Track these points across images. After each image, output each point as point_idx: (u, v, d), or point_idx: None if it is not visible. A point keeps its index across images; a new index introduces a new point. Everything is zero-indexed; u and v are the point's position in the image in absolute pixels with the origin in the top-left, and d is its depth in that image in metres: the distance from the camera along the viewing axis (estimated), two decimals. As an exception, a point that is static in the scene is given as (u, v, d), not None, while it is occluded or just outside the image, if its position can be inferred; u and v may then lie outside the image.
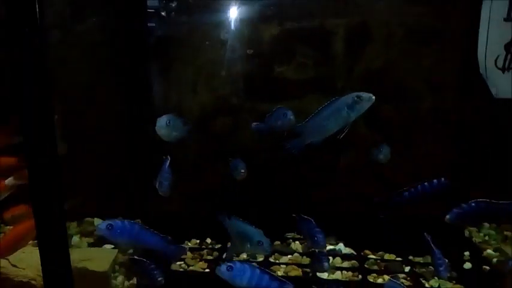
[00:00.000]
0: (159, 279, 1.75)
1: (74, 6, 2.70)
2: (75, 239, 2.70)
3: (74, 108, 2.61)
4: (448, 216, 1.82)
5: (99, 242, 2.55)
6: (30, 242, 2.05)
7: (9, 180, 1.96)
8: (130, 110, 2.81)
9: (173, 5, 2.70)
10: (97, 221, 2.86)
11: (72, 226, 2.82)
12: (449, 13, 2.59)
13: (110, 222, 1.58)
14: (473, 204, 1.74)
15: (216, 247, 2.64)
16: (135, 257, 1.85)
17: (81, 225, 2.84)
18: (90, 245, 2.58)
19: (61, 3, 2.63)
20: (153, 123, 1.86)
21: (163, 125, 1.82)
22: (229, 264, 1.59)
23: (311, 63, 2.75)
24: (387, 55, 2.71)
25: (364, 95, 1.57)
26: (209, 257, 2.52)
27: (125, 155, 2.87)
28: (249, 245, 1.74)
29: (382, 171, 2.57)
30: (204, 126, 2.84)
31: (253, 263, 1.74)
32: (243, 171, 2.08)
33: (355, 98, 1.57)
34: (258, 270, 1.59)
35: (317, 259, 2.02)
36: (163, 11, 2.67)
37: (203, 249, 2.62)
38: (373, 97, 1.56)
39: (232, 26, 2.68)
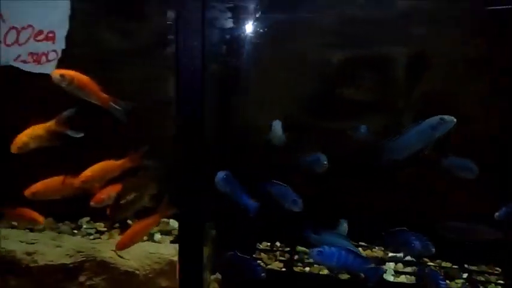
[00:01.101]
0: (262, 274, 2.01)
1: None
2: (157, 236, 3.01)
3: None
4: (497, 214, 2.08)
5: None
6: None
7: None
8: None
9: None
10: (173, 222, 3.18)
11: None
12: (504, 43, 2.85)
13: (319, 249, 1.89)
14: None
15: (286, 249, 2.92)
16: (238, 253, 2.13)
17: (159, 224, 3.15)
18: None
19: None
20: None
21: (279, 126, 2.08)
22: (319, 249, 1.89)
23: (374, 86, 3.04)
24: (444, 81, 2.98)
25: (447, 117, 1.84)
26: (282, 258, 2.80)
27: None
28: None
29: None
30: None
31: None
32: (325, 162, 2.29)
33: (439, 120, 1.83)
34: (343, 252, 1.88)
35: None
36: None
37: (275, 251, 2.90)
38: (455, 119, 1.83)
39: (303, 51, 3.00)
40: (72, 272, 2.48)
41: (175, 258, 2.49)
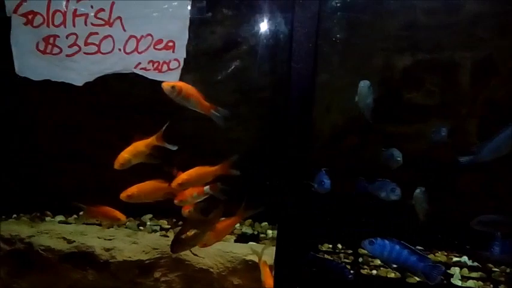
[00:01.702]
0: (350, 276, 2.06)
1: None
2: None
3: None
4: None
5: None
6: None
7: (206, 188, 2.34)
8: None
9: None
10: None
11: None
12: None
13: (372, 239, 1.92)
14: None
15: (349, 252, 2.96)
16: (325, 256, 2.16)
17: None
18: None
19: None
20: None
21: (367, 86, 2.11)
22: (371, 239, 1.91)
23: (438, 90, 3.05)
24: (509, 86, 2.97)
25: None
26: (346, 260, 2.85)
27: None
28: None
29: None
30: (334, 144, 3.20)
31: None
32: (399, 158, 2.28)
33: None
34: (397, 246, 1.88)
35: None
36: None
37: (337, 253, 2.95)
38: None
39: (369, 56, 3.03)
40: (148, 268, 2.56)
41: (248, 258, 2.57)
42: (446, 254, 2.96)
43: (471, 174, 2.98)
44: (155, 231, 3.10)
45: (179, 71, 1.70)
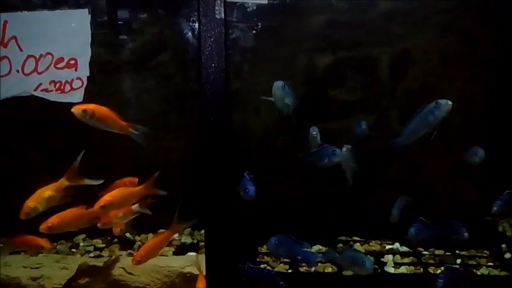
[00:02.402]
0: (281, 283, 2.07)
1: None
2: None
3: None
4: (494, 208, 2.27)
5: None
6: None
7: (135, 207, 2.27)
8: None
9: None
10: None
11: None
12: (478, 41, 3.05)
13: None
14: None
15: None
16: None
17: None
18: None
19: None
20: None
21: (280, 87, 2.12)
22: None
23: (360, 86, 3.16)
24: (425, 77, 3.14)
25: (442, 101, 1.98)
26: (286, 260, 2.88)
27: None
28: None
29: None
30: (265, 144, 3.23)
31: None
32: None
33: (435, 104, 1.97)
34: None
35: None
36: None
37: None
38: (450, 102, 1.96)
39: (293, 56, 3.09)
40: (82, 295, 2.45)
41: (185, 270, 2.53)
42: (379, 242, 3.07)
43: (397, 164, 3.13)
44: (89, 251, 2.98)
45: (83, 90, 1.62)
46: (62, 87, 1.60)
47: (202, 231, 3.24)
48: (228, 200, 1.77)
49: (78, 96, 1.63)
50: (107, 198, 2.01)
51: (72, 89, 1.61)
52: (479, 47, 3.08)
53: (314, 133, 2.44)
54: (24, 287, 2.43)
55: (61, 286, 2.45)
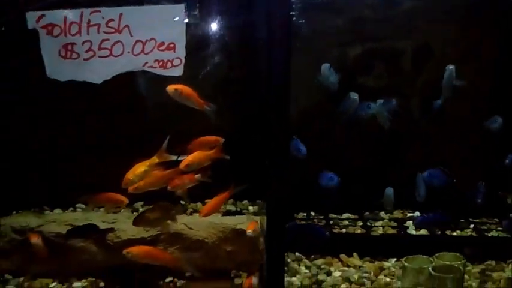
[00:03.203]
0: (327, 234, 2.48)
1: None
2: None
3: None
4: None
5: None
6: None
7: (198, 176, 2.61)
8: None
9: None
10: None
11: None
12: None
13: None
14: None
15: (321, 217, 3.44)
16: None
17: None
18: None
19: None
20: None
21: (327, 67, 2.58)
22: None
23: (385, 74, 3.58)
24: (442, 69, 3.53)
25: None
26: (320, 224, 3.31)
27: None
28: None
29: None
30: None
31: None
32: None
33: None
34: None
35: None
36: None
37: (311, 219, 3.42)
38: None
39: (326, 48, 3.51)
40: (150, 244, 2.91)
41: (237, 227, 2.96)
42: (402, 211, 3.49)
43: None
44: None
45: (182, 67, 2.08)
46: (165, 65, 2.06)
47: (244, 202, 3.72)
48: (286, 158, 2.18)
49: (178, 71, 2.09)
50: (190, 159, 2.45)
51: (172, 66, 2.07)
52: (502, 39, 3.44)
53: (354, 97, 2.83)
54: (104, 237, 2.90)
55: (134, 237, 2.90)
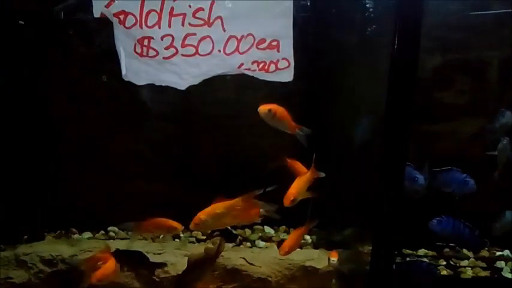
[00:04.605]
0: (437, 272, 2.05)
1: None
2: (260, 242, 3.02)
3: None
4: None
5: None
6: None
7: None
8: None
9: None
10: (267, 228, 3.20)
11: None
12: None
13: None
14: None
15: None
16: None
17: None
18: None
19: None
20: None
21: None
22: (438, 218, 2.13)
23: (468, 89, 3.13)
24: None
25: None
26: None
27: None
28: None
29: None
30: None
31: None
32: None
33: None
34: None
35: None
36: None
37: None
38: None
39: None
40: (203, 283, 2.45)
41: (306, 264, 2.52)
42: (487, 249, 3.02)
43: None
44: (192, 243, 2.99)
45: (290, 71, 1.63)
46: (267, 68, 1.61)
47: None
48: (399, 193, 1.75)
49: (287, 75, 1.64)
50: (293, 191, 2.03)
51: (277, 68, 1.62)
52: None
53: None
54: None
55: (185, 273, 2.44)
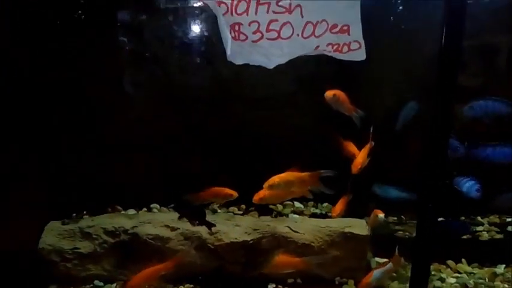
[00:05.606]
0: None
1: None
2: (294, 216, 3.28)
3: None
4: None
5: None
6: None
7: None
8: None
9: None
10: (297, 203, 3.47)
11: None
12: None
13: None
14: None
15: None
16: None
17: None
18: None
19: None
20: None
21: None
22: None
23: (481, 73, 3.42)
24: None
25: None
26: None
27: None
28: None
29: None
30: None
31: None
32: None
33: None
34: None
35: None
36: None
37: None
38: None
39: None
40: (253, 248, 2.70)
41: (346, 230, 2.77)
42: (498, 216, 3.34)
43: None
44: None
45: (362, 51, 1.87)
46: (340, 49, 1.85)
47: (325, 204, 3.51)
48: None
49: (359, 55, 1.88)
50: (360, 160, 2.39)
51: (350, 50, 1.86)
52: None
53: None
54: (205, 240, 2.68)
55: (236, 240, 2.68)
